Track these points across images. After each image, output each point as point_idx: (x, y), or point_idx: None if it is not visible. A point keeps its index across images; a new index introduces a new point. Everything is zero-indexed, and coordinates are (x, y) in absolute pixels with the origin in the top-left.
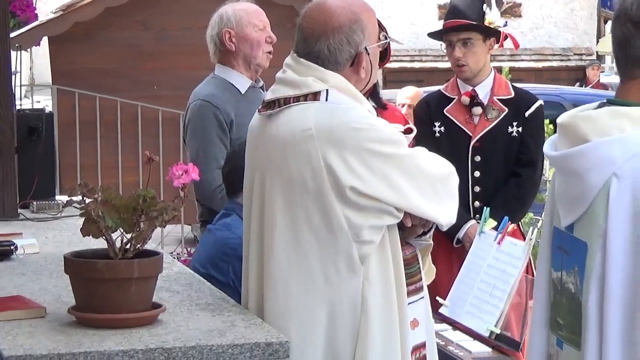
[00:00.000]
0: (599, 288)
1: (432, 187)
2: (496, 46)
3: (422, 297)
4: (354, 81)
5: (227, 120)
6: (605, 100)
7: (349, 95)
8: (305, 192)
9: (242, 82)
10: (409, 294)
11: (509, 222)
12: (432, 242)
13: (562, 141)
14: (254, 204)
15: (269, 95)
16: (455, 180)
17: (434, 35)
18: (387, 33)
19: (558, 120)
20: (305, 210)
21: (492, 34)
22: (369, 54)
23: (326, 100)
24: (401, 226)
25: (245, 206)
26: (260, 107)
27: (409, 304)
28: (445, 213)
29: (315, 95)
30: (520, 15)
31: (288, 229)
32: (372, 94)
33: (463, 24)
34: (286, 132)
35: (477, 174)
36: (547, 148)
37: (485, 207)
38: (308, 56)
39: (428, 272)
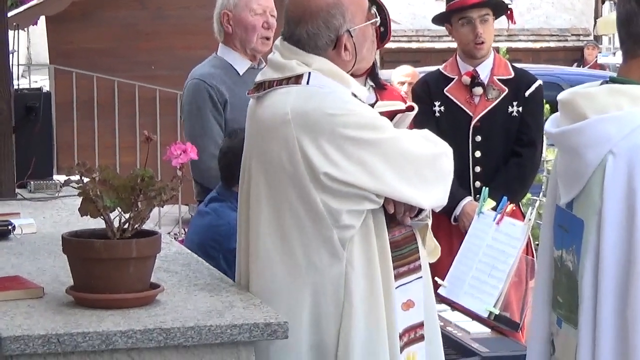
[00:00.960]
0: (594, 266)
1: (416, 170)
2: (504, 25)
3: (420, 277)
4: (340, 64)
5: (221, 99)
6: (608, 79)
7: (334, 78)
8: (285, 178)
9: (241, 63)
10: (403, 274)
11: (508, 203)
12: (428, 221)
13: (563, 118)
14: (243, 188)
15: (258, 78)
16: (445, 161)
17: (438, 19)
18: (385, 12)
19: (558, 97)
20: (286, 195)
21: (501, 11)
22: (352, 37)
23: (307, 83)
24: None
25: (239, 191)
26: (249, 90)
27: (403, 285)
28: (430, 196)
29: (297, 79)
30: None
31: (272, 214)
32: (371, 74)
33: (485, 0)
34: (268, 116)
35: (477, 154)
36: (548, 125)
37: (484, 188)
38: (290, 40)
39: (433, 251)
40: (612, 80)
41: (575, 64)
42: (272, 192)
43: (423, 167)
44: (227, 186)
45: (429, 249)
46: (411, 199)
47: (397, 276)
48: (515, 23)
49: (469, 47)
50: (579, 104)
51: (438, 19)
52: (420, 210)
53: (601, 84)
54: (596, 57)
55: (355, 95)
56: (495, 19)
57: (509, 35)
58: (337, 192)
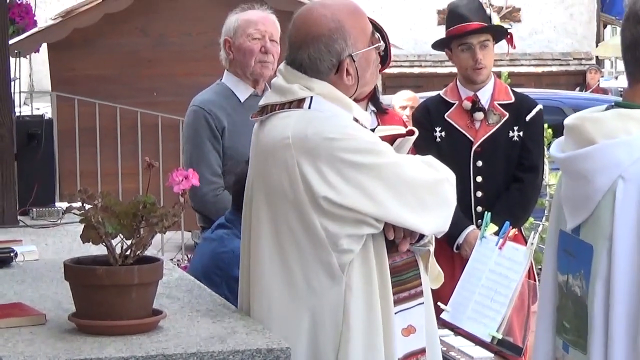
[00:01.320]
0: (605, 291)
1: (416, 195)
2: (505, 49)
3: (421, 303)
4: (342, 88)
5: (219, 126)
6: (613, 103)
7: (336, 102)
8: (285, 201)
9: (243, 90)
10: (404, 300)
11: (510, 227)
12: (430, 247)
13: (569, 143)
14: (245, 211)
15: (261, 101)
16: (447, 187)
17: (438, 44)
18: (385, 35)
19: (565, 121)
20: (286, 218)
21: (501, 36)
22: (354, 61)
23: (309, 107)
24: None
25: (242, 213)
26: (253, 113)
27: (404, 310)
28: (431, 222)
29: (299, 103)
30: (519, 20)
31: (272, 237)
32: (372, 98)
33: (485, 26)
34: (269, 139)
35: (479, 179)
36: (553, 150)
37: (486, 212)
38: (293, 64)
39: (437, 277)
40: (618, 105)
41: (578, 88)
42: (272, 215)
43: (424, 192)
44: (237, 212)
45: (432, 275)
46: (411, 225)
47: (398, 301)
48: (515, 48)
49: (468, 73)
50: (587, 128)
51: (438, 45)
52: (422, 236)
53: (606, 108)
54: (598, 81)
55: (357, 120)
56: (495, 43)
57: (511, 59)
58: (336, 216)
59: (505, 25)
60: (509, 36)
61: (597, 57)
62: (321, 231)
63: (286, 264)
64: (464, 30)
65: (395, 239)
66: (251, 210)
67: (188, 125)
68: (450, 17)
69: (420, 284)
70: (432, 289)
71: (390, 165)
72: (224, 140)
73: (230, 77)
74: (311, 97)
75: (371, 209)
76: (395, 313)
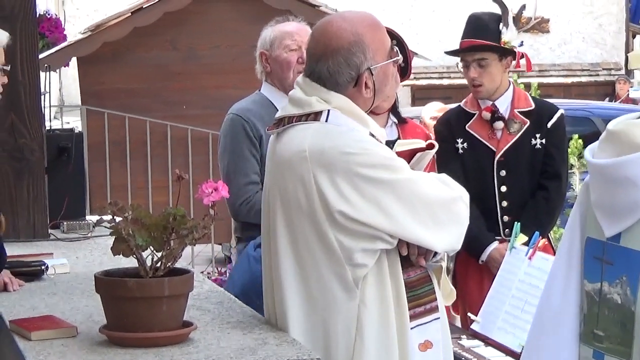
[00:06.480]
0: None
1: (431, 212)
2: (538, 61)
3: (437, 318)
4: (360, 101)
5: (257, 135)
6: None
7: (352, 116)
8: (300, 213)
9: (281, 100)
10: (420, 315)
11: (540, 237)
12: (443, 264)
13: (609, 148)
14: (264, 223)
15: (278, 113)
16: (460, 205)
17: (451, 53)
18: (405, 46)
19: (609, 126)
20: (302, 231)
21: (508, 53)
22: (372, 74)
23: (326, 121)
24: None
25: (261, 226)
26: (269, 125)
27: (420, 325)
28: (443, 239)
29: (316, 116)
30: (548, 31)
31: (289, 250)
32: (392, 109)
33: (478, 44)
34: (286, 151)
35: (503, 188)
36: (589, 156)
37: (516, 222)
38: (311, 76)
39: (449, 294)
40: None
41: (607, 98)
42: (289, 228)
43: (437, 209)
44: None
45: (444, 292)
46: (424, 241)
47: (414, 316)
48: (519, 66)
49: (470, 88)
50: (634, 133)
51: (451, 55)
52: (436, 252)
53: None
54: (628, 91)
55: (373, 135)
56: (503, 59)
57: (540, 70)
58: (351, 230)
59: (518, 42)
60: (520, 54)
61: (626, 67)
62: (335, 245)
63: (303, 274)
64: (460, 47)
65: (410, 254)
66: (269, 219)
67: (225, 132)
68: (464, 30)
69: (436, 299)
70: (460, 299)
71: (406, 182)
72: (262, 149)
73: (269, 87)
74: (328, 111)
75: (385, 225)
76: (412, 328)
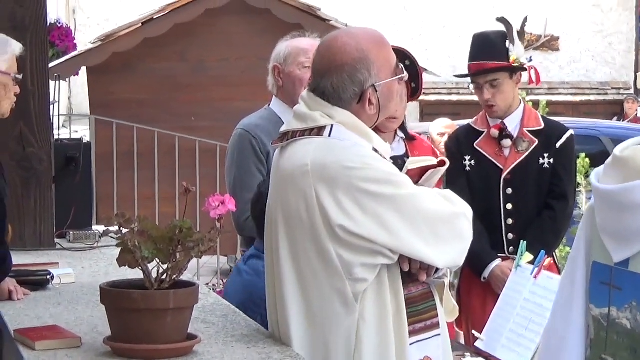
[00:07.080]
0: None
1: (432, 228)
2: (525, 79)
3: (438, 335)
4: (364, 118)
5: (264, 151)
6: None
7: (356, 132)
8: (302, 227)
9: (290, 116)
10: (420, 331)
11: (546, 256)
12: (445, 280)
13: (615, 174)
14: (267, 237)
15: (283, 128)
16: (463, 221)
17: (462, 77)
18: (417, 67)
19: (615, 151)
20: (303, 245)
21: (518, 69)
22: (377, 91)
23: (329, 135)
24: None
25: (265, 239)
26: (273, 140)
27: (420, 341)
28: (445, 256)
29: (320, 130)
30: (558, 49)
31: (291, 264)
32: (400, 126)
33: (489, 67)
34: (289, 166)
35: (509, 206)
36: (595, 181)
37: (522, 241)
38: (316, 91)
39: (452, 311)
40: None
41: (615, 117)
42: (291, 242)
43: (440, 225)
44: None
45: (447, 309)
46: (425, 257)
47: (414, 332)
48: (531, 82)
49: (484, 108)
50: None
51: (462, 77)
52: (438, 268)
53: None
54: (636, 110)
55: (376, 151)
56: (513, 76)
57: (549, 88)
58: (351, 245)
59: (527, 57)
60: (532, 70)
61: (635, 86)
62: (336, 259)
63: (304, 289)
64: (471, 71)
65: (411, 270)
66: (271, 234)
67: (232, 147)
68: (470, 50)
69: (437, 315)
70: (464, 316)
71: (408, 197)
72: (269, 165)
73: (279, 102)
74: (332, 125)
75: (386, 240)
76: (411, 344)
